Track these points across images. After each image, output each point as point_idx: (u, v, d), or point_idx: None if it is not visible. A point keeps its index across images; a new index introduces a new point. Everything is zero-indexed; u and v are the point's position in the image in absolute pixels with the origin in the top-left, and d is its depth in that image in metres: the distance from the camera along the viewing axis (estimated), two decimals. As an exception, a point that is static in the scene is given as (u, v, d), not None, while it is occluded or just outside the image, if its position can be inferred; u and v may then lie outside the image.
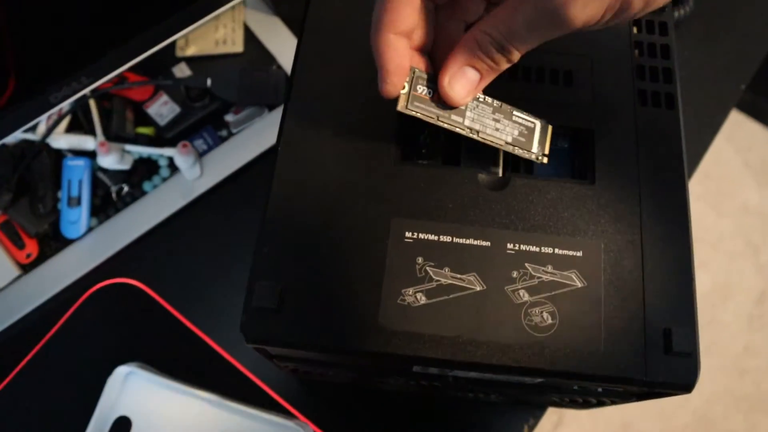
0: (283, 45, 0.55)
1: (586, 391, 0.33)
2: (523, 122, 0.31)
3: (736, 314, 1.23)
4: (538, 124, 0.31)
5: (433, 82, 0.29)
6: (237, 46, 0.54)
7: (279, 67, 0.54)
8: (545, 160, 0.31)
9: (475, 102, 0.30)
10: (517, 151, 0.31)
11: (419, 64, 0.29)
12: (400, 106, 0.29)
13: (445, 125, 0.29)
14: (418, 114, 0.29)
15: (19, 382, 0.45)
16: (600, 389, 0.32)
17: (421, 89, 0.29)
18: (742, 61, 0.58)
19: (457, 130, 0.29)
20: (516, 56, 0.27)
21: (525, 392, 0.37)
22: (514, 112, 0.31)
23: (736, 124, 1.35)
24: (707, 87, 0.57)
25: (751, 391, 1.18)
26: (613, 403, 0.36)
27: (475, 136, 0.30)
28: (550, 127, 0.31)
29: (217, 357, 0.46)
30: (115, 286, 0.48)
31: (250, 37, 0.55)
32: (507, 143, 0.30)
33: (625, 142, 0.33)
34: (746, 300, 1.24)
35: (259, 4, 0.57)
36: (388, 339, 0.28)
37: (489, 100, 0.30)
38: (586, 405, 0.39)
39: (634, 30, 0.35)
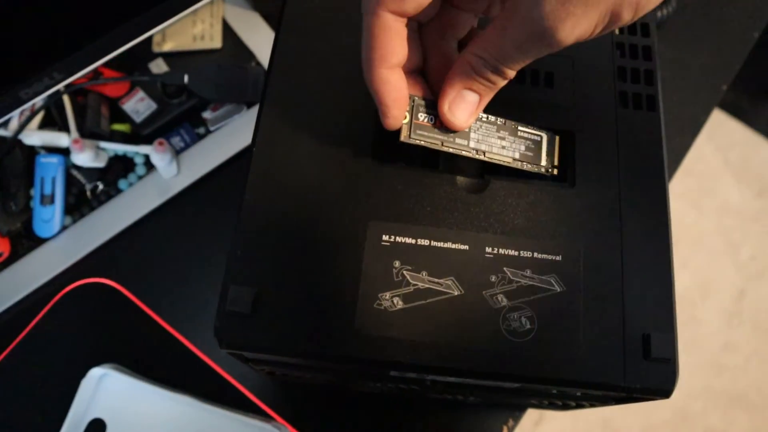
0: (262, 41, 0.54)
1: (565, 395, 0.33)
2: (529, 136, 0.31)
3: (715, 312, 1.24)
4: (544, 136, 0.31)
5: (433, 107, 0.29)
6: (215, 41, 0.53)
7: (258, 63, 0.53)
8: (555, 172, 0.31)
9: (478, 123, 0.30)
10: (526, 167, 0.31)
11: (414, 87, 0.29)
12: (403, 137, 0.28)
13: (451, 150, 0.29)
14: (422, 142, 0.29)
15: (-10, 384, 0.44)
16: (579, 393, 0.32)
17: (423, 116, 0.29)
18: (724, 61, 0.58)
19: (464, 153, 0.29)
20: (511, 74, 0.27)
21: (504, 395, 0.37)
22: (519, 127, 0.31)
23: (717, 123, 1.36)
24: (689, 87, 0.57)
25: (729, 387, 1.19)
26: (592, 406, 0.36)
27: (481, 157, 0.30)
28: (557, 138, 0.31)
29: (193, 358, 0.45)
30: (89, 286, 0.47)
31: (228, 32, 0.54)
32: (515, 160, 0.30)
33: (605, 144, 0.32)
34: (725, 298, 1.26)
35: (238, -1, 0.56)
36: (364, 344, 0.28)
37: (492, 118, 0.30)
38: (565, 407, 0.39)
39: (616, 31, 0.35)
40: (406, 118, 0.28)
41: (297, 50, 0.33)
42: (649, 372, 0.28)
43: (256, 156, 0.31)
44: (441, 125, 0.29)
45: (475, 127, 0.30)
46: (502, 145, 0.30)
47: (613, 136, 0.33)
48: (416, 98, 0.29)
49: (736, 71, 0.59)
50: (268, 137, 0.31)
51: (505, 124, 0.31)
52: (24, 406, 0.44)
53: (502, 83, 0.28)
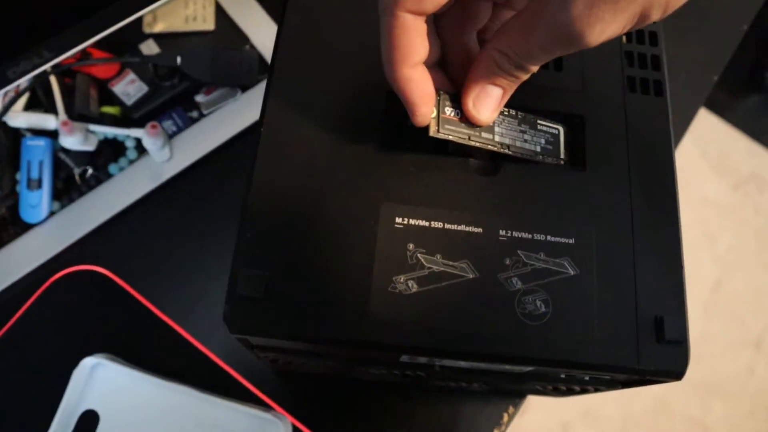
0: (255, 23, 0.53)
1: (573, 379, 0.33)
2: (548, 130, 0.31)
3: (692, 302, 1.26)
4: (561, 129, 0.32)
5: (459, 101, 0.29)
6: (208, 23, 0.52)
7: (252, 46, 0.52)
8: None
9: (501, 116, 0.30)
10: (548, 160, 0.31)
11: (434, 80, 0.28)
12: (432, 132, 0.28)
13: (478, 144, 0.29)
14: (450, 137, 0.28)
15: (-24, 375, 0.43)
16: (587, 377, 0.32)
17: (449, 111, 0.29)
18: (715, 53, 0.59)
19: (489, 147, 0.29)
20: (535, 69, 0.27)
21: (510, 381, 0.37)
22: (538, 121, 0.31)
23: (695, 117, 1.38)
24: (681, 78, 0.57)
25: (706, 376, 1.22)
26: (597, 390, 0.36)
27: (506, 151, 0.30)
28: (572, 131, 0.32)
29: (189, 347, 0.44)
30: (79, 274, 0.45)
31: (221, 14, 0.53)
32: (537, 153, 0.31)
33: (614, 128, 0.32)
34: (702, 289, 1.28)
35: (231, -20, 0.54)
36: (379, 328, 0.27)
37: (513, 112, 0.30)
38: (569, 393, 0.39)
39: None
40: (433, 112, 0.28)
41: (304, 29, 0.33)
42: (662, 354, 0.28)
43: (264, 136, 0.30)
44: (467, 119, 0.29)
45: (499, 121, 0.30)
46: (524, 138, 0.30)
47: (623, 120, 0.32)
48: (442, 92, 0.28)
49: (726, 63, 0.59)
50: (276, 117, 0.31)
51: (525, 117, 0.31)
52: (13, 398, 0.43)
53: (526, 77, 0.27)
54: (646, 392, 1.18)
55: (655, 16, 0.23)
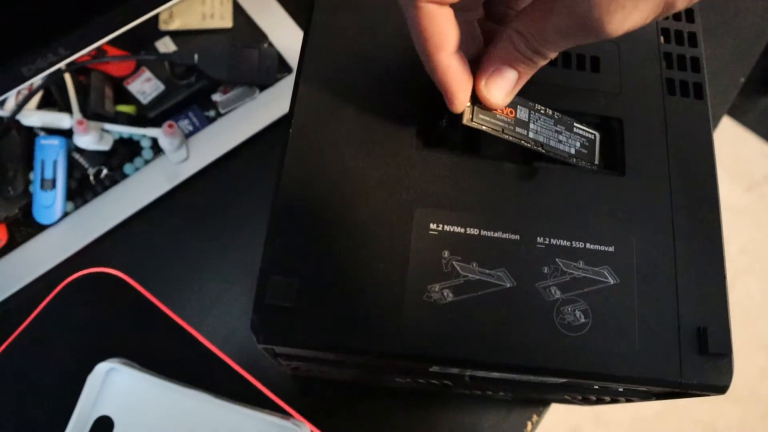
0: (274, 21, 0.52)
1: (606, 391, 0.32)
2: (584, 134, 0.30)
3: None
4: (597, 135, 0.31)
5: None
6: (225, 20, 0.51)
7: (270, 44, 0.51)
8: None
9: (537, 114, 0.29)
10: (581, 164, 0.30)
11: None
12: (466, 120, 0.27)
13: (510, 138, 0.28)
14: (483, 127, 0.28)
15: (-11, 380, 0.42)
16: (621, 389, 0.31)
17: None
18: (742, 54, 0.58)
19: (522, 142, 0.28)
20: (553, 55, 0.26)
21: (541, 390, 0.36)
22: (575, 124, 0.30)
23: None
24: (709, 79, 0.56)
25: (718, 380, 1.21)
26: (628, 401, 0.35)
27: (539, 149, 0.29)
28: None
29: (205, 352, 0.44)
30: (93, 276, 0.44)
31: (239, 11, 0.52)
32: (571, 155, 0.30)
33: (653, 132, 0.31)
34: (715, 291, 1.27)
35: (248, -23, 0.53)
36: (415, 339, 0.26)
37: (549, 111, 0.30)
38: (598, 402, 0.38)
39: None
40: (468, 102, 0.27)
41: (332, 28, 0.32)
42: (705, 367, 0.27)
43: (292, 139, 0.29)
44: (501, 111, 0.28)
45: (534, 118, 0.29)
46: (559, 139, 0.29)
47: (662, 124, 0.31)
48: None
49: (753, 64, 0.58)
50: (305, 119, 0.30)
51: (561, 118, 0.30)
52: (26, 404, 0.42)
53: (543, 63, 0.27)
54: (657, 396, 1.17)
55: (681, 4, 0.23)
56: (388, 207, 0.28)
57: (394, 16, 0.32)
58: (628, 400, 0.35)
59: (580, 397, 0.37)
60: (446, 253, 0.27)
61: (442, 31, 0.25)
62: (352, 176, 0.29)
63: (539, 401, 0.44)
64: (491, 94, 0.27)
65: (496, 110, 0.28)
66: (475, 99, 0.27)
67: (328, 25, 0.32)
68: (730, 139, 1.37)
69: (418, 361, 0.26)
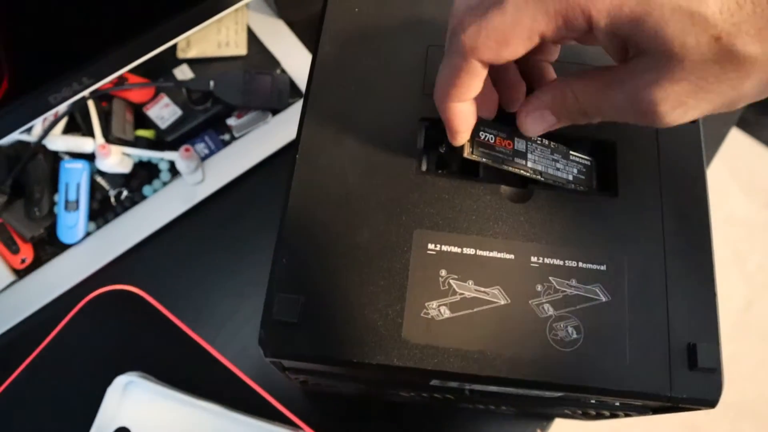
0: (286, 48, 0.54)
1: (603, 405, 0.33)
2: (580, 161, 0.32)
3: (722, 322, 1.22)
4: (593, 161, 0.32)
5: (493, 128, 0.30)
6: (240, 48, 0.53)
7: (283, 71, 0.53)
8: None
9: (533, 144, 0.31)
10: (580, 188, 0.31)
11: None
12: (466, 153, 0.29)
13: (511, 168, 0.30)
14: (483, 159, 0.29)
15: (14, 392, 0.44)
16: (618, 403, 0.31)
17: (483, 135, 0.30)
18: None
19: (522, 172, 0.30)
20: (598, 120, 0.27)
21: (539, 405, 0.37)
22: (570, 152, 0.32)
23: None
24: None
25: (736, 398, 1.19)
26: (627, 416, 0.36)
27: (539, 177, 0.30)
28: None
29: (219, 366, 0.45)
30: (113, 293, 0.46)
31: (253, 39, 0.54)
32: (569, 182, 0.31)
33: (646, 154, 0.32)
34: (732, 309, 1.26)
35: (262, 6, 0.56)
36: (412, 354, 0.27)
37: (546, 141, 0.31)
38: (598, 417, 0.38)
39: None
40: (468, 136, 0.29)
41: (338, 56, 0.33)
42: (695, 382, 0.28)
43: (299, 162, 0.31)
44: (500, 143, 0.30)
45: (531, 148, 0.30)
46: (556, 167, 0.31)
47: (654, 146, 0.32)
48: (480, 118, 0.29)
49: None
50: (311, 144, 0.31)
51: (557, 147, 0.31)
52: (48, 414, 0.44)
53: (584, 123, 0.28)
54: (674, 415, 1.16)
55: (742, 104, 0.24)
56: (388, 228, 0.29)
57: (398, 46, 0.34)
58: (626, 415, 0.36)
59: (580, 412, 0.38)
60: (443, 272, 0.29)
61: (472, 85, 0.26)
62: (354, 199, 0.30)
63: (542, 416, 0.45)
64: (527, 127, 0.28)
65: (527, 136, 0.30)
66: (476, 133, 0.29)
67: (333, 54, 0.34)
68: (746, 155, 1.37)
69: (416, 375, 0.28)
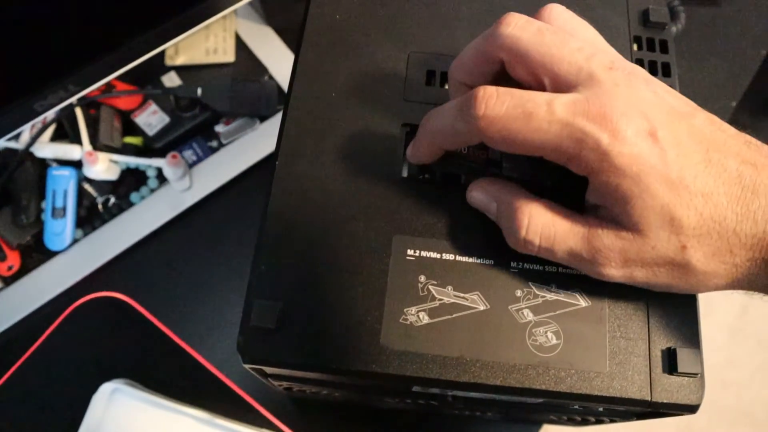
0: (275, 55, 0.54)
1: (586, 411, 0.33)
2: (557, 166, 0.31)
3: (718, 327, 1.24)
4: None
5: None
6: (228, 55, 0.53)
7: (271, 77, 0.53)
8: None
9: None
10: (559, 194, 0.31)
11: None
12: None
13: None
14: (457, 170, 0.30)
15: (0, 400, 0.43)
16: (601, 409, 0.31)
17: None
18: (733, 78, 0.59)
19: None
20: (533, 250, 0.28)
21: (524, 411, 0.37)
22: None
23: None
24: (699, 104, 0.57)
25: (733, 403, 1.19)
26: (612, 421, 0.36)
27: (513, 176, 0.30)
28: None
29: (206, 373, 0.45)
30: (100, 300, 0.46)
31: (241, 46, 0.54)
32: (547, 188, 0.31)
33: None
34: (728, 313, 1.26)
35: (250, 13, 0.56)
36: (390, 359, 0.27)
37: None
38: (584, 423, 0.38)
39: (635, 47, 0.35)
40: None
41: (320, 61, 0.33)
42: (675, 386, 0.28)
43: (279, 169, 0.31)
44: (473, 155, 0.30)
45: (507, 157, 0.30)
46: (532, 173, 0.30)
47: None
48: None
49: (745, 88, 0.59)
50: (291, 150, 0.31)
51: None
52: (34, 421, 0.44)
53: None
54: (670, 419, 1.15)
55: (676, 291, 0.27)
56: (368, 234, 0.29)
57: (379, 52, 0.34)
58: (611, 420, 0.36)
59: (565, 417, 0.38)
60: (422, 278, 0.29)
61: (463, 145, 0.28)
62: (334, 205, 0.30)
63: (530, 422, 0.45)
64: (469, 196, 0.29)
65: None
66: None
67: (314, 61, 0.34)
68: (740, 159, 1.37)
69: (394, 381, 0.28)
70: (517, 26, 0.26)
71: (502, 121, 0.24)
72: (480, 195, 0.29)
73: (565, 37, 0.25)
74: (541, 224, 0.26)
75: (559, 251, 0.26)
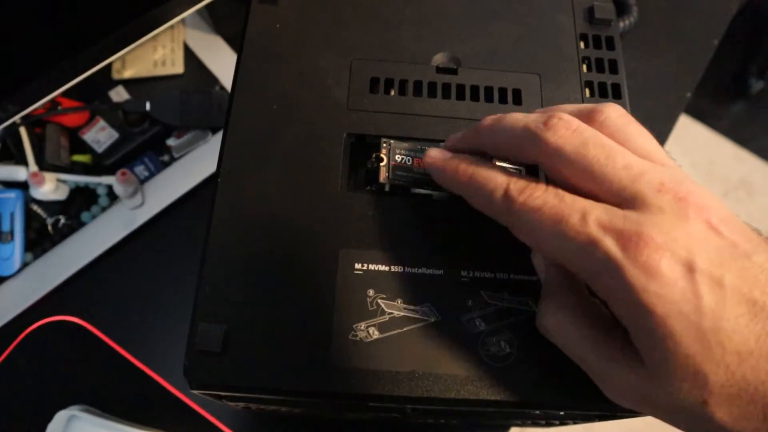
0: (225, 65, 0.53)
1: (548, 416, 0.33)
2: (508, 169, 0.31)
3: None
4: (523, 170, 0.32)
5: (412, 150, 0.30)
6: (177, 67, 0.52)
7: (222, 87, 0.52)
8: None
9: None
10: None
11: None
12: (382, 178, 0.30)
13: (431, 192, 0.30)
14: (401, 182, 0.30)
15: (-50, 434, 0.42)
16: (562, 413, 0.31)
17: (401, 158, 0.30)
18: (687, 70, 0.59)
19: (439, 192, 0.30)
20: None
21: (486, 418, 0.36)
22: (496, 162, 0.30)
23: (681, 127, 1.39)
24: (654, 96, 0.57)
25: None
26: (575, 423, 0.36)
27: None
28: None
29: (166, 394, 0.44)
30: (54, 324, 0.45)
31: (190, 57, 0.53)
32: None
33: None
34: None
35: (199, 23, 0.55)
36: (340, 378, 0.27)
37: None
38: (549, 425, 0.38)
39: (582, 45, 0.35)
40: (383, 160, 0.29)
41: (260, 73, 0.33)
42: (631, 390, 0.28)
43: (221, 186, 0.30)
44: (418, 165, 0.29)
45: None
46: None
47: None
48: (392, 141, 0.29)
49: (699, 79, 0.59)
50: (233, 166, 0.30)
51: (479, 160, 0.30)
52: (-13, 454, 0.42)
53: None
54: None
55: None
56: (313, 250, 0.29)
57: (321, 61, 0.33)
58: (575, 422, 0.35)
59: (529, 422, 0.37)
60: (371, 292, 0.28)
61: None
62: (279, 221, 0.29)
63: (499, 426, 0.44)
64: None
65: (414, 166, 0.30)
66: (392, 156, 0.29)
67: (255, 72, 0.33)
68: (704, 145, 1.39)
69: (346, 400, 0.27)
70: (562, 137, 0.24)
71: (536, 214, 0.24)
72: (537, 261, 0.28)
73: (612, 152, 0.23)
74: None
75: (571, 355, 0.26)
